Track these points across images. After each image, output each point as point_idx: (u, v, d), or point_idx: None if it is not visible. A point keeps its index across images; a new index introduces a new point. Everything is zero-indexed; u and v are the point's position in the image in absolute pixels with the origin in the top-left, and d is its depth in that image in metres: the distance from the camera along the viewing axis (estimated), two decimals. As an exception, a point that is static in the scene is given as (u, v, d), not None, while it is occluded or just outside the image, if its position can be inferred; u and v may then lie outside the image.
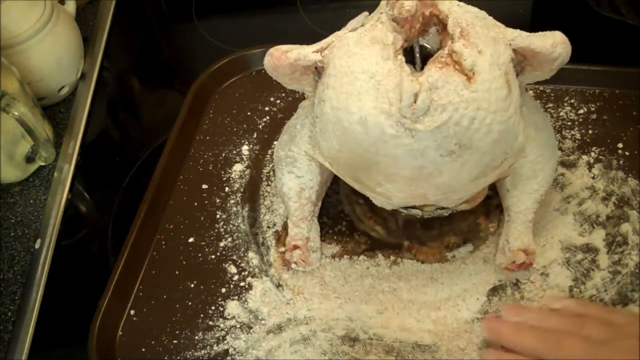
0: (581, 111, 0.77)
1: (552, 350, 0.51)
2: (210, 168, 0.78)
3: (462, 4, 0.56)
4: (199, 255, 0.70)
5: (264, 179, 0.76)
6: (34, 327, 0.67)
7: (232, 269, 0.69)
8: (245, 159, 0.78)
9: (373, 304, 0.65)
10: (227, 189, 0.76)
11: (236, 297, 0.66)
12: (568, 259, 0.66)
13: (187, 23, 1.02)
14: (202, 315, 0.66)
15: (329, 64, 0.56)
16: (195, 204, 0.74)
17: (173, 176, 0.77)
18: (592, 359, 0.49)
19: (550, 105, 0.78)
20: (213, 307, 0.66)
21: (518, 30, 0.56)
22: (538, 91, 0.80)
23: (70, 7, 0.89)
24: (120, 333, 0.65)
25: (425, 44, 0.58)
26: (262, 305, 0.66)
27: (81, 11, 0.96)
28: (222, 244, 0.71)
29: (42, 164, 0.79)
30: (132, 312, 0.66)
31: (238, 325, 0.64)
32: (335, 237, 0.70)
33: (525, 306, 0.61)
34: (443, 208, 0.69)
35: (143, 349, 0.64)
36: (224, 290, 0.67)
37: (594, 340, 0.50)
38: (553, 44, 0.55)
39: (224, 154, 0.79)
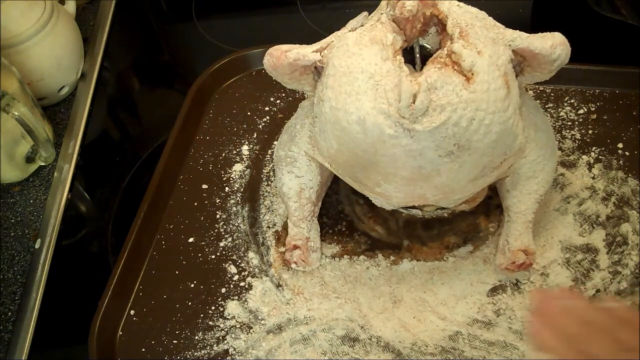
0: (581, 111, 0.77)
1: (582, 343, 0.50)
2: (210, 168, 0.78)
3: (462, 4, 0.56)
4: (199, 255, 0.70)
5: (264, 179, 0.76)
6: (34, 327, 0.67)
7: (232, 269, 0.69)
8: (245, 159, 0.78)
9: (373, 304, 0.65)
10: (227, 189, 0.76)
11: (236, 297, 0.67)
12: (568, 259, 0.66)
13: (187, 23, 1.02)
14: (202, 315, 0.66)
15: (328, 64, 0.56)
16: (195, 204, 0.74)
17: (173, 176, 0.76)
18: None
19: (550, 105, 0.78)
20: (213, 307, 0.66)
21: (517, 31, 0.56)
22: (538, 91, 0.79)
23: (70, 7, 0.89)
24: (120, 333, 0.65)
25: (425, 44, 0.58)
26: (262, 305, 0.66)
27: (81, 11, 0.96)
28: (222, 244, 0.71)
29: (42, 164, 0.79)
30: (132, 312, 0.66)
31: (238, 325, 0.65)
32: (335, 237, 0.70)
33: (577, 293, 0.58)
34: (443, 208, 0.69)
35: (143, 349, 0.64)
36: (224, 290, 0.67)
37: (622, 346, 0.50)
38: (552, 45, 0.55)
39: (224, 154, 0.79)
